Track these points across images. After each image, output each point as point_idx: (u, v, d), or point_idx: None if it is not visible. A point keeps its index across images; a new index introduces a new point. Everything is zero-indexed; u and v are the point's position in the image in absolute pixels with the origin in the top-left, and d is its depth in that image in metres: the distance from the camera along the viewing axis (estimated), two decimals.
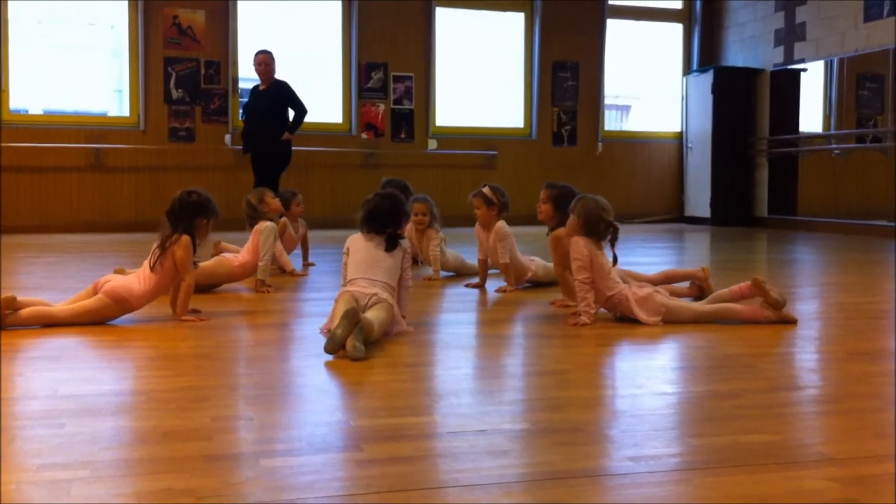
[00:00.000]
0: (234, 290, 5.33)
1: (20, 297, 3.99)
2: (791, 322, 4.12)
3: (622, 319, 4.18)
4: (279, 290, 5.27)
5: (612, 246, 4.21)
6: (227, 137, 10.86)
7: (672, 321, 4.10)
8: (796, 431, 2.49)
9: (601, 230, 4.18)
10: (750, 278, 4.23)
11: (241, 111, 9.46)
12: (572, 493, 1.94)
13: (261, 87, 8.93)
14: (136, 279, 4.19)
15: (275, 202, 5.62)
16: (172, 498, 1.89)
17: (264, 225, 5.34)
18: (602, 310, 4.26)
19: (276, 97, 8.87)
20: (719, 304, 4.24)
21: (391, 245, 3.94)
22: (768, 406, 2.70)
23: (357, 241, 3.99)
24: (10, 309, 3.90)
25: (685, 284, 4.99)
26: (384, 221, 3.97)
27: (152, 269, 4.16)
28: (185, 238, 4.19)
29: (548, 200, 4.71)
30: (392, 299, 3.82)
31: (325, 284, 5.57)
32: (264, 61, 8.85)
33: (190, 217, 4.24)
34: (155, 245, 4.23)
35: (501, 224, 5.30)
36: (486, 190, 5.35)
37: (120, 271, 5.09)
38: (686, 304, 4.32)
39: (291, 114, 9.05)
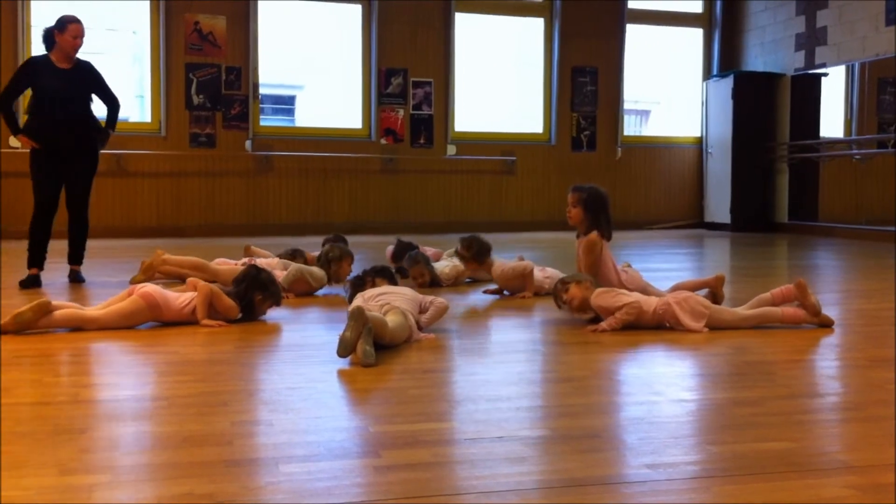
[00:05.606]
0: None
1: (55, 301, 4.06)
2: (828, 325, 4.15)
3: (663, 328, 4.15)
4: (298, 296, 5.28)
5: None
6: (248, 143, 10.91)
7: (715, 326, 4.09)
8: (815, 439, 2.48)
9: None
10: (794, 281, 4.23)
11: (9, 90, 6.24)
12: (589, 500, 1.94)
13: (60, 65, 6.16)
14: (178, 298, 4.23)
15: (347, 270, 5.47)
16: (193, 502, 1.91)
17: (294, 266, 5.38)
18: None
19: (84, 82, 6.30)
20: (762, 308, 4.23)
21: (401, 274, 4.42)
22: (787, 413, 2.69)
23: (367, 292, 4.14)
24: (43, 313, 3.94)
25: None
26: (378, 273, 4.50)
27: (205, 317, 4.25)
28: (236, 307, 4.35)
29: (577, 204, 4.68)
30: (408, 312, 3.83)
31: (344, 292, 5.57)
32: (82, 33, 6.20)
33: (254, 292, 4.38)
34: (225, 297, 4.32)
35: (525, 266, 5.34)
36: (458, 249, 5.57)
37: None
38: (728, 308, 4.29)
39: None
